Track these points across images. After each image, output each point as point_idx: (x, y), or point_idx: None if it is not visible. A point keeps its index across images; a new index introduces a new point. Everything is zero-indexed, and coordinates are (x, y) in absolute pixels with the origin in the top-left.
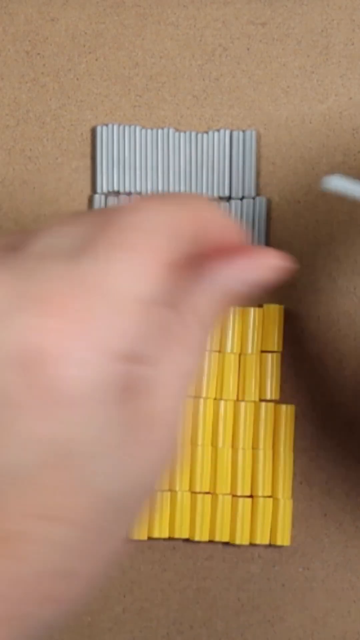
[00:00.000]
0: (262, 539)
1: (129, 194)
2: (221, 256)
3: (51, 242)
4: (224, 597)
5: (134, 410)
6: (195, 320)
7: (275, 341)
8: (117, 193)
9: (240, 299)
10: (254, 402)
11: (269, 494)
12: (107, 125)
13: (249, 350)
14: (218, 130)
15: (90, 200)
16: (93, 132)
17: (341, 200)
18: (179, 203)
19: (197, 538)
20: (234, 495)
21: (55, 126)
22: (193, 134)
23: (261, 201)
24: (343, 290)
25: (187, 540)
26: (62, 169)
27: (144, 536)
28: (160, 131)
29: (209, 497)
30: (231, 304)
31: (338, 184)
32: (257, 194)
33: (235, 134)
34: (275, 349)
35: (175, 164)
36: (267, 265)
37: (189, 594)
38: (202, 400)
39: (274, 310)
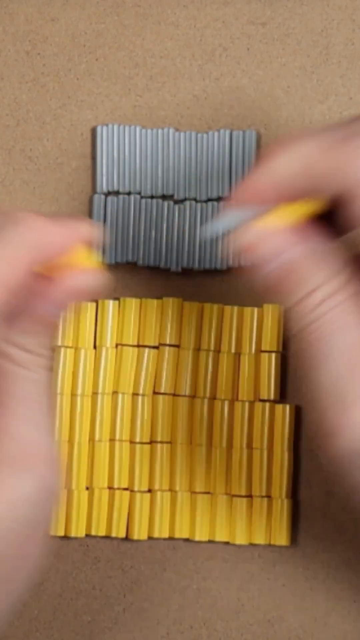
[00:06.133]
0: (261, 538)
1: (129, 194)
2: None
3: None
4: (224, 597)
5: None
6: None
7: (274, 341)
8: (117, 193)
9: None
10: (253, 402)
11: (268, 493)
12: (107, 125)
13: (248, 350)
14: (218, 130)
15: (91, 200)
16: (93, 132)
17: None
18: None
19: (197, 538)
20: (233, 495)
21: (55, 126)
22: (193, 134)
23: None
24: None
25: (187, 540)
26: (62, 169)
27: (144, 536)
28: (160, 131)
29: (208, 497)
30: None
31: (213, 229)
32: None
33: (235, 134)
34: (275, 348)
35: (175, 164)
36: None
37: (189, 594)
38: (200, 400)
39: (274, 310)
